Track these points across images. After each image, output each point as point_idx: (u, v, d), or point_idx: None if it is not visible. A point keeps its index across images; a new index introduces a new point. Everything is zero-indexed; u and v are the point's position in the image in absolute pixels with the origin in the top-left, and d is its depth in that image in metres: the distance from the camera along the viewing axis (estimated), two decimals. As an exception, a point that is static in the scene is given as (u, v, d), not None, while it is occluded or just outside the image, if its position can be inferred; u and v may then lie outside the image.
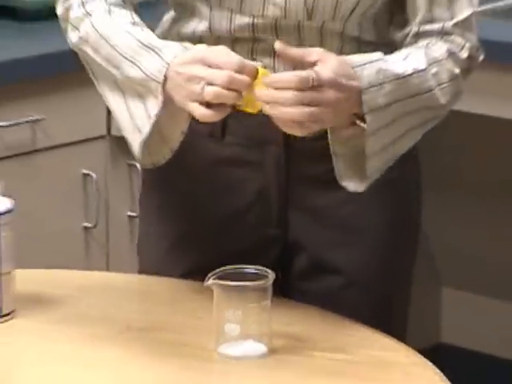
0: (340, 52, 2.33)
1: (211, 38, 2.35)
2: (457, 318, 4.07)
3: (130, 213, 3.36)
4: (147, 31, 2.31)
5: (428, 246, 3.86)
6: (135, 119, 2.27)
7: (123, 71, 2.26)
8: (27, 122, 3.23)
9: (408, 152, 2.34)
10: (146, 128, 2.21)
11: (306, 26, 2.31)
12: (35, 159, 3.29)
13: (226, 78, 2.10)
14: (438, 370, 2.04)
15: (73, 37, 2.33)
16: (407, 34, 2.37)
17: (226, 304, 2.08)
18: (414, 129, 2.32)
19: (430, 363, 2.07)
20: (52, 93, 2.85)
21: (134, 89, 2.25)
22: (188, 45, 2.23)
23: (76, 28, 2.32)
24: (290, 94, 2.11)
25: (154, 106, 2.20)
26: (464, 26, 2.35)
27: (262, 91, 2.11)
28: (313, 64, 2.13)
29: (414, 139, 2.33)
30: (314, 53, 2.17)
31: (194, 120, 2.27)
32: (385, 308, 2.42)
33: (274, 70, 2.30)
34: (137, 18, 2.34)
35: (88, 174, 3.32)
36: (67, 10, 2.34)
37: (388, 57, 2.28)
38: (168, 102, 2.18)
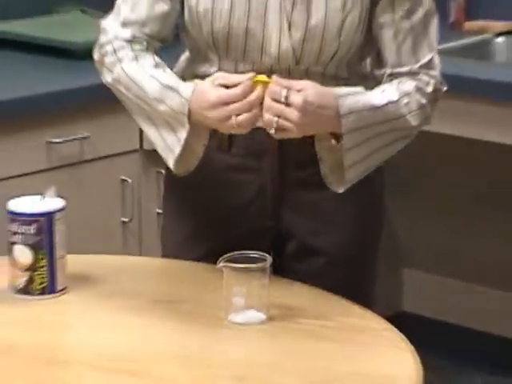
0: (322, 81, 2.31)
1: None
2: (415, 291, 4.05)
3: (157, 210, 3.32)
4: (167, 72, 2.33)
5: (391, 233, 3.85)
6: (167, 142, 2.29)
7: (152, 107, 2.27)
8: (76, 139, 3.27)
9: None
10: (177, 149, 2.25)
11: (295, 69, 2.31)
12: (83, 168, 3.32)
13: (247, 106, 2.15)
14: (402, 335, 2.11)
15: (108, 77, 2.34)
16: (383, 74, 2.36)
17: (234, 282, 2.12)
18: (387, 146, 2.33)
19: (396, 329, 2.13)
20: (96, 116, 2.87)
21: (164, 119, 2.27)
22: (198, 81, 2.26)
23: (110, 71, 2.33)
24: (266, 101, 2.15)
25: (182, 132, 2.23)
26: (427, 66, 2.35)
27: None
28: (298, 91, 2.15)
29: (387, 154, 2.35)
30: (300, 83, 2.18)
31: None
32: (357, 282, 2.46)
33: None
34: (158, 60, 2.35)
35: (125, 180, 3.36)
36: (102, 55, 2.35)
37: (368, 91, 2.30)
38: (192, 126, 2.22)
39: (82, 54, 3.41)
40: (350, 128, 2.23)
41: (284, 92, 2.14)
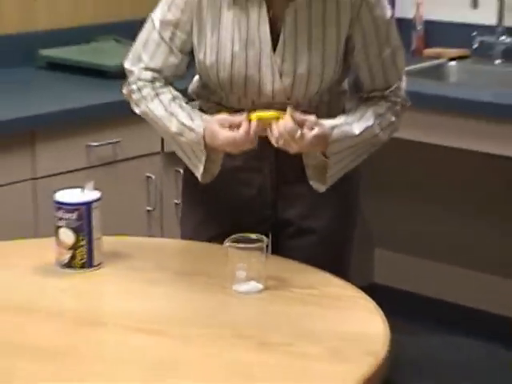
0: (308, 109, 2.33)
1: (226, 108, 2.35)
2: (384, 266, 4.07)
3: (175, 201, 3.34)
4: (183, 107, 2.33)
5: (365, 219, 3.84)
6: (192, 161, 2.33)
7: (175, 138, 2.30)
8: (110, 143, 3.28)
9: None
10: (201, 168, 2.28)
11: (286, 103, 2.28)
12: (115, 167, 3.32)
13: (249, 142, 2.19)
14: (373, 302, 2.13)
15: (136, 110, 2.37)
16: (361, 96, 2.38)
17: (237, 259, 2.15)
18: (361, 156, 2.36)
19: (368, 297, 2.15)
20: (125, 125, 2.87)
21: (188, 144, 2.28)
22: (207, 119, 2.27)
23: (138, 105, 2.35)
24: (280, 131, 2.16)
25: (202, 157, 2.26)
26: (396, 89, 2.36)
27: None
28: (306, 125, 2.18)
29: (361, 160, 2.37)
30: (310, 122, 2.19)
31: None
32: (338, 257, 2.48)
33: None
34: (175, 93, 2.35)
35: (149, 176, 3.36)
36: (130, 92, 2.36)
37: (349, 119, 2.31)
38: (209, 150, 2.25)
39: (115, 75, 3.39)
40: (334, 151, 2.27)
41: (299, 132, 2.16)
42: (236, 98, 2.35)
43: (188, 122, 2.28)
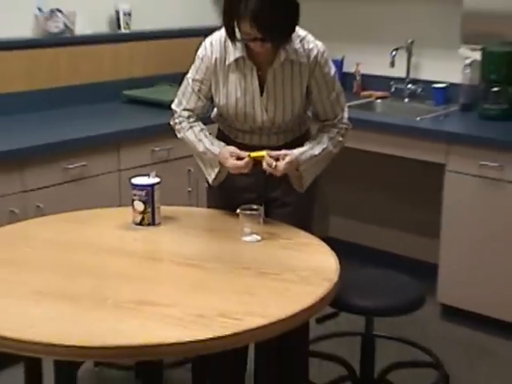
0: (285, 129, 2.32)
1: (235, 130, 2.34)
2: (335, 226, 4.02)
3: (206, 185, 3.26)
4: (207, 136, 2.30)
5: (323, 195, 3.81)
6: (208, 171, 2.31)
7: (201, 156, 2.29)
8: (165, 149, 3.22)
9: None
10: (213, 176, 2.29)
11: (271, 127, 2.29)
12: (170, 163, 3.24)
13: (246, 169, 2.20)
14: (328, 247, 2.13)
15: (178, 135, 2.37)
16: (319, 125, 2.34)
17: (244, 220, 2.13)
18: (323, 165, 2.33)
19: (325, 244, 2.14)
20: (175, 137, 2.90)
21: (207, 160, 2.28)
22: (223, 145, 2.26)
23: (178, 132, 2.34)
24: (264, 164, 2.18)
25: (215, 169, 2.27)
26: (341, 118, 2.32)
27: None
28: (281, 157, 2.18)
29: (324, 167, 2.33)
30: (281, 154, 2.18)
31: (232, 136, 2.36)
32: (306, 219, 2.41)
33: (260, 142, 2.33)
34: (202, 126, 2.32)
35: (190, 169, 3.28)
36: (174, 124, 2.38)
37: (311, 145, 2.27)
38: (220, 166, 2.27)
39: (169, 107, 3.33)
40: (304, 168, 2.26)
41: (274, 163, 2.16)
42: (239, 123, 2.33)
43: (210, 147, 2.26)
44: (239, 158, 2.20)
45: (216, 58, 2.23)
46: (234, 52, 2.20)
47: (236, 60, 2.21)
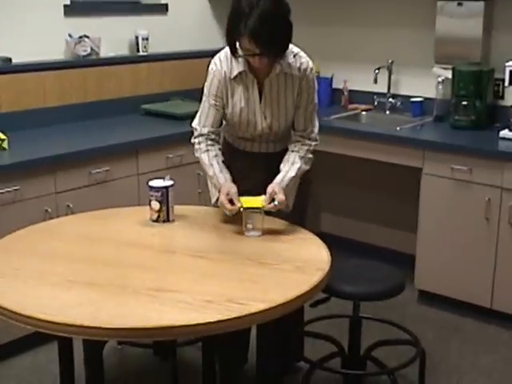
0: (281, 137, 2.29)
1: (238, 137, 2.33)
2: (327, 222, 3.99)
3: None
4: (219, 163, 2.23)
5: (316, 194, 3.79)
6: (212, 191, 2.26)
7: (208, 177, 2.25)
8: (178, 155, 3.18)
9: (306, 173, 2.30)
10: (215, 198, 2.23)
11: (270, 133, 2.26)
12: (182, 168, 3.21)
13: (235, 212, 2.12)
14: (321, 240, 2.10)
15: (195, 153, 2.31)
16: (294, 137, 2.30)
17: (247, 218, 2.11)
18: (299, 180, 2.28)
19: (318, 238, 2.11)
20: (185, 146, 2.82)
21: (214, 184, 2.24)
22: (228, 180, 2.19)
23: (196, 152, 2.28)
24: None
25: (218, 193, 2.20)
26: (311, 132, 2.29)
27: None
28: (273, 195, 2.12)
29: (299, 180, 2.29)
30: (272, 192, 2.13)
31: (235, 144, 2.35)
32: (301, 216, 2.38)
33: (260, 149, 2.32)
34: (217, 152, 2.26)
35: (199, 173, 3.20)
36: (194, 143, 2.30)
37: (287, 168, 2.22)
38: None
39: (181, 118, 3.39)
40: (285, 188, 2.19)
41: (274, 204, 2.12)
42: (241, 131, 2.31)
43: (218, 174, 2.21)
44: (232, 201, 2.12)
45: (225, 72, 2.20)
46: (238, 66, 2.18)
47: (239, 73, 2.19)
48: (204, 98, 2.30)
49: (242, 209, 2.12)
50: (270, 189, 2.15)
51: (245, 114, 2.24)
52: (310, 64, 2.23)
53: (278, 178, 2.20)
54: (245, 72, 2.19)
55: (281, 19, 2.04)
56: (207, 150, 2.27)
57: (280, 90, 2.21)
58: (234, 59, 2.18)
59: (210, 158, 2.26)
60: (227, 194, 2.13)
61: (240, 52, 2.12)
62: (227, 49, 2.18)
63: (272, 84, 2.21)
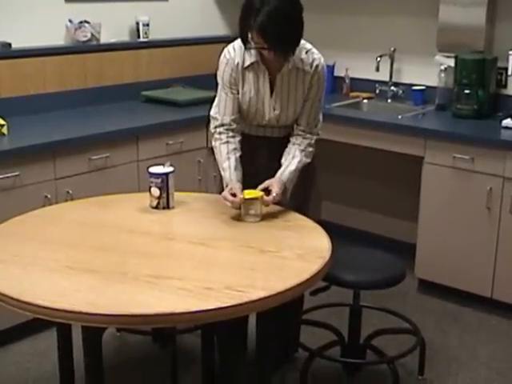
0: (286, 125, 2.29)
1: (248, 124, 2.33)
2: (327, 210, 3.97)
3: (214, 174, 3.08)
4: (235, 157, 2.23)
5: (317, 184, 3.80)
6: (226, 180, 2.22)
7: (221, 168, 2.24)
8: (178, 142, 3.16)
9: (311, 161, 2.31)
10: (225, 187, 2.20)
11: (276, 124, 2.27)
12: (182, 155, 3.20)
13: (238, 205, 2.12)
14: (322, 229, 2.09)
15: (212, 142, 2.30)
16: (296, 130, 2.31)
17: (248, 204, 2.11)
18: (298, 175, 2.28)
19: (319, 226, 2.11)
20: (187, 132, 2.75)
21: (225, 177, 2.22)
22: (236, 177, 2.20)
23: (214, 141, 2.27)
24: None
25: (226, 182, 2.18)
26: (314, 127, 2.30)
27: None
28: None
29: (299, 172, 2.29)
30: (268, 185, 2.16)
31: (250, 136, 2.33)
32: (302, 204, 2.37)
33: (265, 133, 2.31)
34: (236, 145, 2.25)
35: (199, 160, 3.25)
36: (213, 132, 2.28)
37: (287, 163, 2.24)
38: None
39: (181, 105, 3.40)
40: (287, 182, 2.22)
41: (270, 198, 2.14)
42: (249, 119, 2.32)
43: (232, 168, 2.22)
44: (234, 194, 2.14)
45: (238, 62, 2.22)
46: (250, 57, 2.21)
47: (252, 64, 2.21)
48: (219, 87, 2.30)
49: (241, 198, 2.13)
50: (267, 182, 2.19)
51: (253, 103, 2.27)
52: (322, 61, 2.26)
53: (279, 172, 2.25)
54: (257, 62, 2.21)
55: (291, 18, 2.06)
56: (227, 142, 2.26)
57: (291, 84, 2.23)
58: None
59: (229, 151, 2.25)
60: (231, 189, 2.17)
61: (251, 44, 2.13)
62: (239, 39, 2.19)
63: (283, 79, 2.22)
